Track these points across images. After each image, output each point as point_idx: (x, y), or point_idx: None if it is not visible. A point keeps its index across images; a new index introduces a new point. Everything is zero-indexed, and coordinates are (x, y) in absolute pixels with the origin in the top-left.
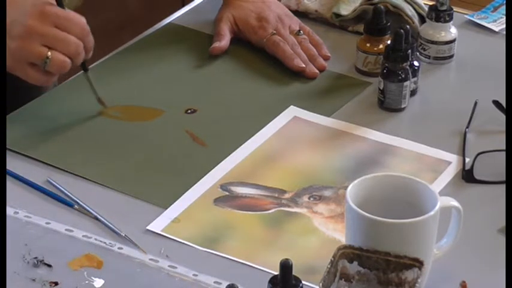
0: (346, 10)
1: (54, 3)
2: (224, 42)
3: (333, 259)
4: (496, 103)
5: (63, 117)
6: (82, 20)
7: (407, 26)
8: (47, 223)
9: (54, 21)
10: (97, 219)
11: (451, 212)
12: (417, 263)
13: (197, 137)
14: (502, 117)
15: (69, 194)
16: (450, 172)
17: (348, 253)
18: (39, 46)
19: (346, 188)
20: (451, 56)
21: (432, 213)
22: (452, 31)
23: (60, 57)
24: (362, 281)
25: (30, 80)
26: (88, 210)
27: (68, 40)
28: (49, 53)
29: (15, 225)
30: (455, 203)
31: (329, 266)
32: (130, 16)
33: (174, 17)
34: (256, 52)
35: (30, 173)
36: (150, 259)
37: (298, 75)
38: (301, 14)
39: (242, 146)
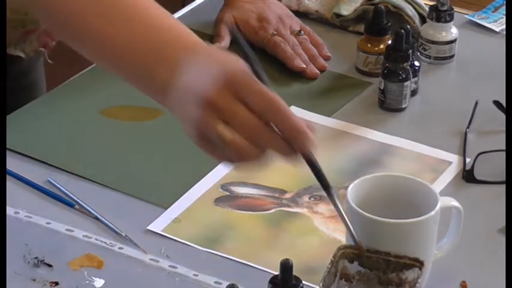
0: (346, 10)
1: (246, 73)
2: (224, 43)
3: (333, 259)
4: (497, 103)
5: (63, 117)
6: (268, 93)
7: (408, 26)
8: (48, 223)
9: (239, 92)
10: (97, 219)
11: (452, 212)
12: (417, 263)
13: None
14: (503, 117)
15: (69, 194)
16: (451, 172)
17: (348, 253)
18: (218, 123)
19: (346, 188)
20: (452, 56)
21: (432, 213)
22: (453, 31)
23: (240, 141)
24: (362, 281)
25: (216, 158)
26: (88, 210)
27: (249, 120)
28: (225, 132)
29: (16, 225)
30: (455, 203)
31: (329, 266)
32: None
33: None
34: (257, 52)
35: (30, 173)
36: (151, 259)
37: (299, 75)
38: (302, 14)
39: None
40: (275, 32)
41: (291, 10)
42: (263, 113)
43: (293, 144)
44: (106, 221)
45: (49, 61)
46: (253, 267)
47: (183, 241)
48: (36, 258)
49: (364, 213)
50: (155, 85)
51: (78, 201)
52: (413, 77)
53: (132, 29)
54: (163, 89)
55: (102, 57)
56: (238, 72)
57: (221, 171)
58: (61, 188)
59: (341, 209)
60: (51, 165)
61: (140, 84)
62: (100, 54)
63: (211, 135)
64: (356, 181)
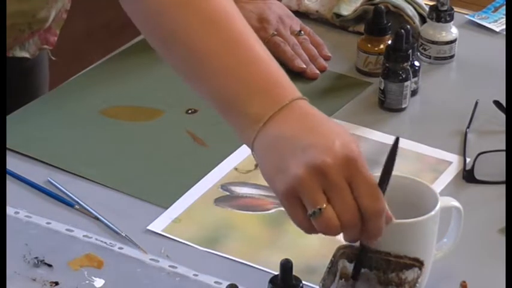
0: (346, 10)
1: (363, 159)
2: None
3: (333, 259)
4: (497, 103)
5: (63, 117)
6: (381, 197)
7: (408, 26)
8: (48, 223)
9: (352, 175)
10: (97, 219)
11: (452, 212)
12: (417, 263)
13: (198, 137)
14: (503, 117)
15: (69, 193)
16: (451, 172)
17: (348, 253)
18: (319, 191)
19: None
20: (452, 56)
21: (433, 213)
22: (453, 31)
23: (331, 216)
24: (362, 280)
25: (294, 220)
26: (88, 210)
27: (350, 206)
28: (324, 206)
29: (16, 225)
30: (455, 203)
31: (329, 266)
32: None
33: None
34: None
35: (30, 173)
36: (151, 259)
37: (299, 75)
38: (302, 14)
39: (243, 146)
40: (275, 32)
41: (291, 10)
42: (364, 209)
43: (366, 240)
44: (106, 221)
45: (52, 58)
46: (253, 267)
47: (183, 241)
48: (36, 258)
49: None
50: (248, 113)
51: (78, 201)
52: (414, 77)
53: (238, 59)
54: (256, 120)
55: (201, 76)
56: (358, 156)
57: (221, 171)
58: (61, 188)
59: None
60: (51, 165)
61: (231, 110)
62: (199, 71)
63: (306, 200)
64: None
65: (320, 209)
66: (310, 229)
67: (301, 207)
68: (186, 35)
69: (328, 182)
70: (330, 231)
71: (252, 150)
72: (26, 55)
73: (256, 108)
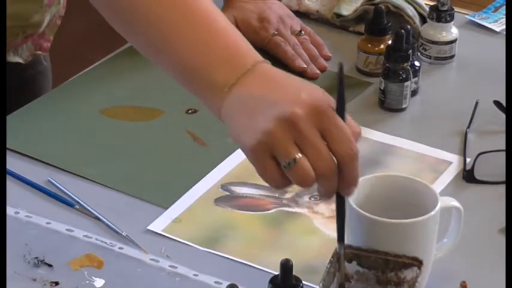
0: (347, 10)
1: (334, 106)
2: None
3: (332, 259)
4: (497, 103)
5: (63, 117)
6: (353, 140)
7: (408, 26)
8: (48, 223)
9: (322, 123)
10: (98, 219)
11: (452, 212)
12: (416, 262)
13: (198, 137)
14: (503, 117)
15: (69, 193)
16: (451, 172)
17: (347, 253)
18: (291, 143)
19: None
20: (452, 56)
21: (433, 213)
22: (453, 31)
23: (306, 166)
24: (361, 280)
25: (264, 174)
26: (89, 210)
27: (324, 153)
28: (298, 156)
29: (16, 225)
30: (455, 203)
31: (328, 266)
32: None
33: None
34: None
35: (30, 173)
36: (151, 259)
37: (300, 75)
38: (302, 14)
39: None
40: (276, 32)
41: (292, 10)
42: (338, 155)
43: (343, 188)
44: (106, 221)
45: (45, 63)
46: (253, 267)
47: (183, 241)
48: (36, 258)
49: (364, 213)
50: (211, 82)
51: (79, 201)
52: (414, 77)
53: (199, 33)
54: (220, 87)
55: (162, 51)
56: (326, 104)
57: (221, 171)
58: (61, 188)
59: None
60: (51, 165)
61: (193, 80)
62: (159, 46)
63: (279, 152)
64: None
65: (295, 159)
66: (281, 183)
67: (272, 161)
68: (146, 10)
69: (299, 133)
70: (306, 182)
71: (221, 118)
72: (20, 60)
73: (220, 76)
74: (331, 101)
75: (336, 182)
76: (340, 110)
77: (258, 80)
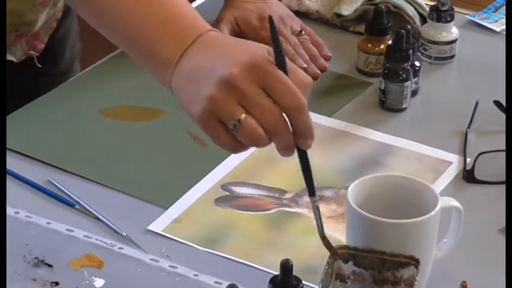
0: (347, 10)
1: (273, 61)
2: None
3: (329, 260)
4: (497, 103)
5: (63, 117)
6: (297, 91)
7: (409, 26)
8: (48, 223)
9: (263, 79)
10: (98, 219)
11: (452, 212)
12: (413, 261)
13: (198, 137)
14: (503, 117)
15: (70, 193)
16: (451, 172)
17: (343, 253)
18: (234, 104)
19: (347, 188)
20: (452, 56)
21: (433, 213)
22: (454, 31)
23: (252, 124)
24: (357, 281)
25: (217, 140)
26: (89, 210)
27: (268, 108)
28: (242, 116)
29: (16, 225)
30: (456, 203)
31: (326, 267)
32: None
33: None
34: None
35: (30, 173)
36: (151, 259)
37: None
38: (303, 14)
39: None
40: None
41: (292, 10)
42: (284, 108)
43: (300, 142)
44: (106, 221)
45: (38, 65)
46: (253, 267)
47: (183, 241)
48: (36, 258)
49: (364, 213)
50: (159, 58)
51: (79, 201)
52: (414, 77)
53: (146, 7)
54: (167, 63)
55: (110, 26)
56: (263, 59)
57: (221, 171)
58: (61, 188)
59: (319, 217)
60: (51, 165)
61: (143, 56)
62: (108, 21)
63: (223, 115)
64: (356, 181)
65: (239, 119)
66: (236, 147)
67: (222, 126)
68: None
69: (240, 93)
70: (256, 140)
71: (173, 93)
72: (12, 59)
73: (167, 50)
74: (269, 56)
75: (291, 136)
76: (280, 63)
77: (202, 49)
